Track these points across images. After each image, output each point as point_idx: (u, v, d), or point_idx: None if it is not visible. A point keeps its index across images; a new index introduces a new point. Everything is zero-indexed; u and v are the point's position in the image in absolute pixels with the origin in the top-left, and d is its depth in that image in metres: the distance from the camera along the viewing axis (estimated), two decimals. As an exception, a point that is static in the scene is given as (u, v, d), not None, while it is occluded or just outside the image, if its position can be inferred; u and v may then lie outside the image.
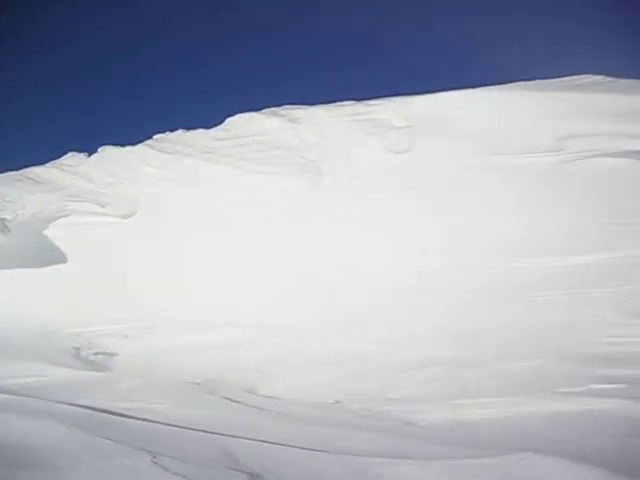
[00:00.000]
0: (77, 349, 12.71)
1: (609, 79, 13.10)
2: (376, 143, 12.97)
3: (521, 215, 11.46)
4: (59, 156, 20.71)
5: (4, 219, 18.14)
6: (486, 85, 13.37)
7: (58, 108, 64.76)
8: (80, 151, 20.55)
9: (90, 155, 19.73)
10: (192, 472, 4.70)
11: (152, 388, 9.84)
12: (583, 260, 10.89)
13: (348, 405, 8.60)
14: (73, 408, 7.66)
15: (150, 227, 15.29)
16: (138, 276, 15.11)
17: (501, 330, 10.08)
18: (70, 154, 20.40)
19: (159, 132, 18.53)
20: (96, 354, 12.55)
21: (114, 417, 7.54)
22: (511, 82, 13.50)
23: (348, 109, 14.40)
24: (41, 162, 20.90)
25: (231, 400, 9.05)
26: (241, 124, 15.96)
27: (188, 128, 17.88)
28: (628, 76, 13.15)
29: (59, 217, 17.55)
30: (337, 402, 8.91)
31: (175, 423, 7.42)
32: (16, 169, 21.43)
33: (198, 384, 10.28)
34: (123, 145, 18.90)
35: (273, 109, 16.04)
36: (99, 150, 19.54)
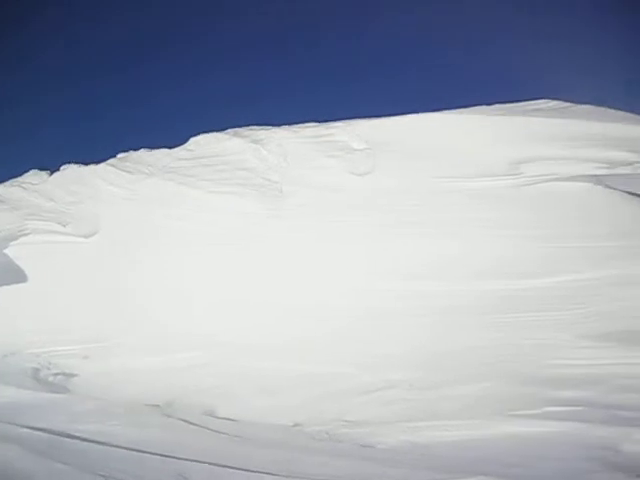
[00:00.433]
0: (36, 370, 12.61)
1: (565, 104, 13.34)
2: (337, 165, 13.06)
3: (476, 238, 11.60)
4: (20, 174, 20.54)
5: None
6: (446, 109, 13.52)
7: (19, 125, 63.90)
8: (42, 169, 20.42)
9: (52, 173, 19.60)
10: (144, 497, 4.73)
11: (110, 410, 9.80)
12: (538, 283, 11.05)
13: (307, 428, 8.63)
14: (28, 431, 7.64)
15: (112, 247, 15.23)
16: (99, 296, 15.02)
17: (458, 352, 10.18)
18: (31, 172, 20.22)
19: (123, 151, 18.46)
20: (55, 375, 12.45)
21: (70, 440, 7.53)
22: (471, 106, 13.66)
23: (310, 131, 14.49)
24: (1, 180, 20.75)
25: (189, 423, 9.05)
26: (204, 144, 15.97)
27: (151, 147, 17.85)
28: (586, 102, 13.41)
29: (19, 236, 17.41)
30: (296, 425, 8.95)
31: (131, 446, 7.42)
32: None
33: (157, 406, 10.24)
34: (86, 164, 18.81)
35: (236, 130, 16.08)
36: (61, 168, 19.41)
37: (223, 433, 8.54)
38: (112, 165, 17.02)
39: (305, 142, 14.07)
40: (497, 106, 13.60)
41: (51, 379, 12.22)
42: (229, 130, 16.11)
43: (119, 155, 18.23)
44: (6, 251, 17.05)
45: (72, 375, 12.44)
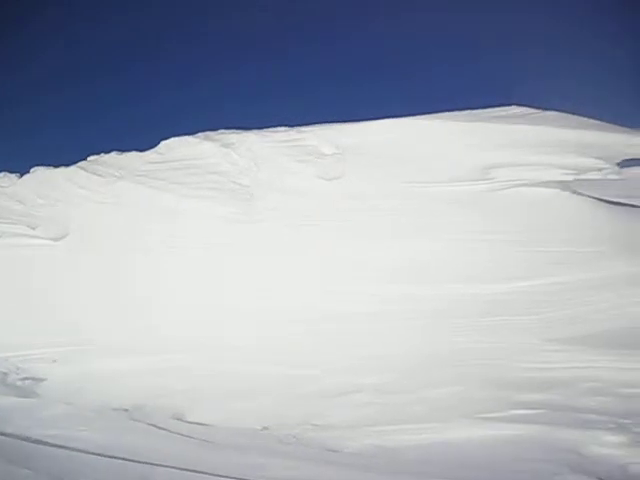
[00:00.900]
0: (4, 374, 12.52)
1: (533, 111, 13.46)
2: (307, 169, 13.08)
3: (447, 243, 11.69)
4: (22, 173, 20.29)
5: None
6: (417, 114, 13.58)
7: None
8: (12, 171, 20.22)
9: (21, 176, 19.42)
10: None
11: (78, 415, 9.76)
12: (507, 287, 11.15)
13: (275, 431, 8.65)
14: (-6, 435, 7.59)
15: (81, 249, 15.14)
16: (68, 299, 14.92)
17: (425, 356, 10.24)
18: (1, 174, 20.06)
19: (93, 154, 18.33)
20: (24, 379, 12.36)
21: (37, 445, 7.49)
22: (441, 112, 13.74)
23: (281, 135, 14.50)
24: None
25: (157, 427, 9.03)
26: (175, 147, 15.90)
27: (122, 150, 17.75)
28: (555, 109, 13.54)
29: (-12, 239, 17.25)
30: (265, 428, 8.95)
31: (98, 451, 7.40)
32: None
33: (126, 410, 10.20)
34: (56, 166, 18.64)
35: (207, 133, 16.04)
36: (31, 171, 19.24)
37: (191, 437, 8.55)
38: (82, 168, 16.89)
39: (276, 146, 14.07)
40: (467, 112, 13.69)
41: (19, 383, 12.13)
42: (200, 134, 16.07)
43: (90, 158, 18.10)
44: (-25, 254, 16.89)
45: (41, 379, 12.35)
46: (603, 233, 12.02)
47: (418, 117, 13.38)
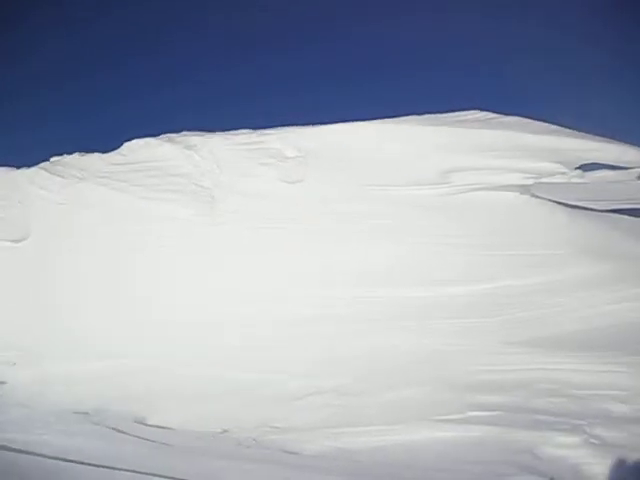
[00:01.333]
0: (-38, 378, 12.41)
1: (493, 115, 13.54)
2: (269, 172, 13.06)
3: (407, 246, 11.76)
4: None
5: None
6: (377, 118, 13.63)
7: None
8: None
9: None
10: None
11: (37, 419, 9.71)
12: (464, 290, 11.25)
13: (234, 434, 8.69)
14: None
15: (42, 251, 15.00)
16: (29, 301, 14.80)
17: (384, 358, 10.33)
18: (-40, 174, 19.81)
19: (56, 154, 18.13)
20: (-18, 383, 12.27)
21: (-6, 450, 7.45)
22: (401, 116, 13.79)
23: (243, 138, 14.43)
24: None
25: (118, 431, 9.03)
26: (138, 149, 15.77)
27: (85, 152, 17.58)
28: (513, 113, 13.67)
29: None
30: (224, 431, 8.99)
31: (58, 455, 7.40)
32: None
33: (86, 414, 10.16)
34: (18, 167, 18.42)
35: (170, 135, 15.92)
36: (-11, 172, 19.02)
37: (152, 441, 8.56)
38: (44, 169, 16.70)
39: (238, 149, 14.01)
40: (426, 116, 13.74)
41: (-23, 387, 12.03)
42: (162, 135, 15.95)
43: (52, 159, 17.92)
44: None
45: (0, 383, 12.26)
46: (562, 236, 12.17)
47: (380, 120, 13.41)
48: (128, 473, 6.45)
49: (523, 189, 12.76)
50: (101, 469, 6.65)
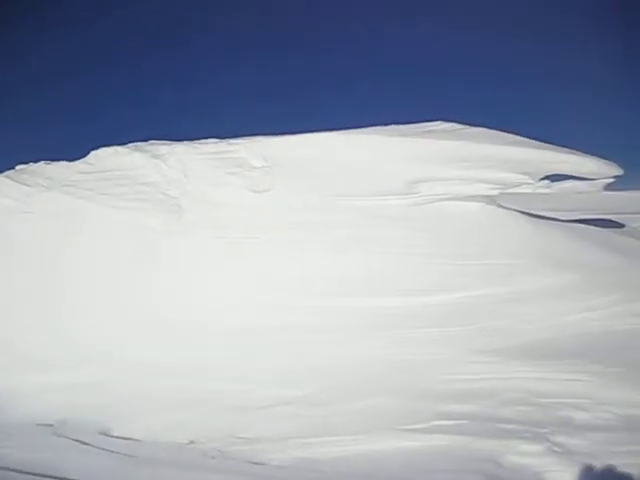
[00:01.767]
0: None
1: (459, 126, 13.66)
2: (236, 182, 13.04)
3: (373, 256, 11.80)
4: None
5: None
6: (344, 129, 13.68)
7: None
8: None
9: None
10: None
11: (0, 431, 9.58)
12: (431, 300, 11.31)
13: (200, 445, 8.65)
14: None
15: (5, 261, 14.80)
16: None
17: (352, 368, 10.33)
18: None
19: (21, 163, 17.95)
20: (-61, 396, 12.04)
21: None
22: (368, 126, 13.87)
23: (211, 147, 14.41)
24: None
25: (82, 442, 8.92)
26: (105, 158, 15.66)
27: (52, 160, 17.41)
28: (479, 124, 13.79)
29: None
30: (191, 442, 8.94)
31: (19, 468, 7.31)
32: None
33: (50, 426, 10.05)
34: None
35: (138, 144, 15.84)
36: (-46, 180, 18.78)
37: (116, 452, 8.49)
38: (8, 177, 16.50)
39: (206, 158, 13.98)
40: (392, 127, 13.82)
41: (-64, 401, 11.81)
42: (130, 144, 15.87)
43: (18, 167, 17.74)
44: None
45: (-39, 396, 12.06)
46: (528, 246, 12.31)
47: (347, 131, 13.48)
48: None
49: (489, 199, 12.88)
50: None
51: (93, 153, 16.03)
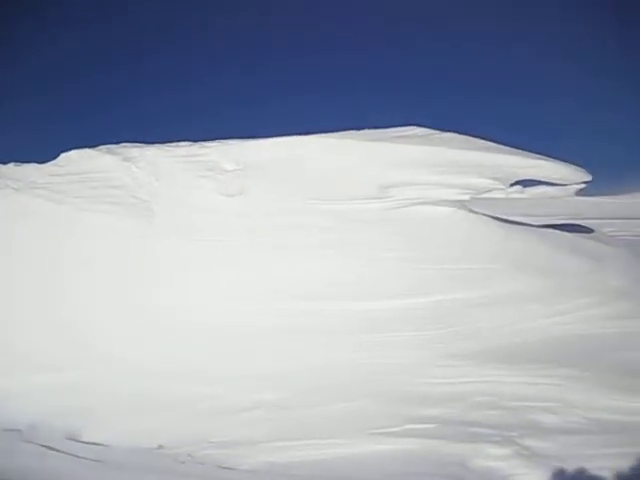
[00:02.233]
0: None
1: (430, 131, 13.73)
2: (208, 185, 12.99)
3: (345, 260, 11.81)
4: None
5: None
6: (316, 133, 13.68)
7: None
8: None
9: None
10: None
11: (-33, 436, 9.45)
12: (402, 304, 11.34)
13: (170, 450, 8.59)
14: None
15: (-25, 264, 14.60)
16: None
17: (324, 372, 10.32)
18: None
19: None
20: None
21: None
22: (341, 131, 13.88)
23: (183, 150, 14.33)
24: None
25: (50, 448, 8.83)
26: (76, 160, 15.51)
27: (21, 162, 17.19)
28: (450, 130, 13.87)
29: None
30: (160, 447, 8.87)
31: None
32: None
33: (19, 431, 9.93)
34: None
35: (109, 146, 15.71)
36: None
37: (85, 458, 8.41)
38: (-23, 179, 16.32)
39: (177, 161, 13.90)
40: (365, 132, 13.88)
41: None
42: (101, 147, 15.73)
43: (-13, 169, 17.51)
44: None
45: None
46: (499, 251, 12.38)
47: (320, 135, 13.48)
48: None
49: (461, 204, 12.93)
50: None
51: (64, 155, 15.87)
